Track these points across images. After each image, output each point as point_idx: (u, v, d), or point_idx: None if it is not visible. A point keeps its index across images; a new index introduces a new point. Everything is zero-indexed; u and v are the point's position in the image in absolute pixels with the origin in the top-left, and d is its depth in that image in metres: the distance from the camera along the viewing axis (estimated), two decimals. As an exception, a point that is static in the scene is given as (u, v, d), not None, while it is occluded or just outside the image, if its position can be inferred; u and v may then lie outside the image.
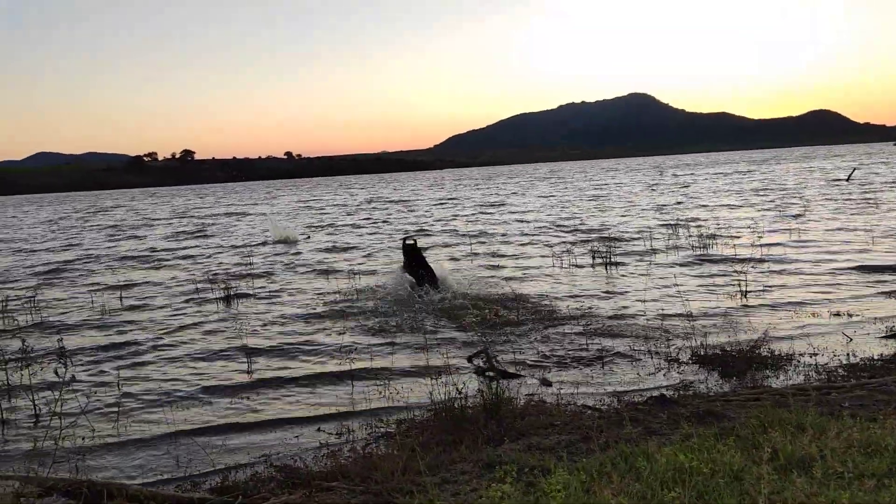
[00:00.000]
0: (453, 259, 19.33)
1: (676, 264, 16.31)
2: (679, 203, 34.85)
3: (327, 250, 23.40)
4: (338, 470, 5.84)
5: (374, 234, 28.66)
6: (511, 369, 8.77)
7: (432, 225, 31.59)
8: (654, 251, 18.46)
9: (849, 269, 14.46)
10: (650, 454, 5.02)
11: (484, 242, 23.13)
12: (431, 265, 13.60)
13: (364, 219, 38.00)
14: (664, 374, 8.36)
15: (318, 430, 7.13)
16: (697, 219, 25.82)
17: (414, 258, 13.26)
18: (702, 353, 8.80)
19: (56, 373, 5.93)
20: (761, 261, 15.86)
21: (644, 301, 12.37)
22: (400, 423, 7.04)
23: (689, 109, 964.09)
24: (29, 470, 5.80)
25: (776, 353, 8.70)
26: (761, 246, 17.59)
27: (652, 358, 9.05)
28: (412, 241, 13.88)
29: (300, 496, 5.27)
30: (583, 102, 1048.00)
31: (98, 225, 45.90)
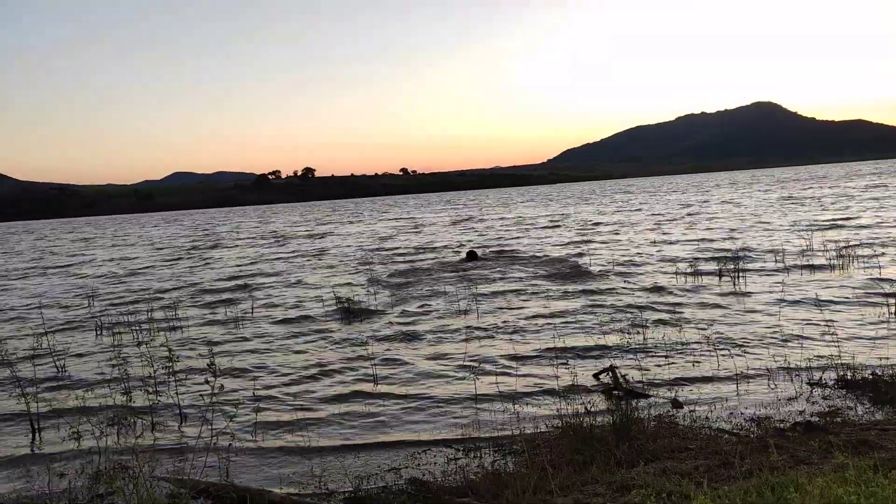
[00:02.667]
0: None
1: (816, 283, 15.26)
2: (822, 219, 32.46)
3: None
4: (467, 485, 5.84)
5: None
6: (638, 388, 8.51)
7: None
8: (789, 269, 17.42)
9: None
10: (801, 485, 4.71)
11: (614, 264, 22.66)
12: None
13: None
14: (807, 399, 7.84)
15: (445, 443, 7.16)
16: (842, 236, 24.02)
17: (469, 256, 24.46)
18: (849, 378, 8.20)
19: (206, 381, 6.26)
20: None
21: (780, 320, 11.71)
22: (527, 440, 6.95)
23: (819, 117, 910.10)
24: (177, 472, 6.15)
25: (936, 379, 7.97)
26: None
27: (792, 380, 8.53)
28: (472, 250, 25.48)
29: (431, 510, 5.29)
30: (702, 113, 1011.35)
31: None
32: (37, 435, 8.10)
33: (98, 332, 14.40)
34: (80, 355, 12.43)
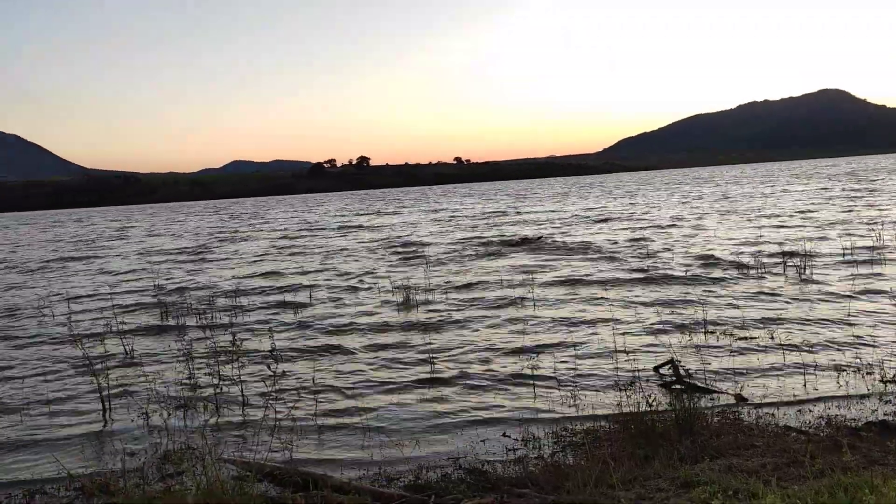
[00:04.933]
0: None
1: (890, 277, 14.63)
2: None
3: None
4: (526, 477, 5.82)
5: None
6: (700, 382, 8.33)
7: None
8: (860, 262, 16.76)
9: None
10: (876, 486, 4.55)
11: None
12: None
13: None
14: (879, 397, 7.56)
15: (504, 434, 7.14)
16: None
17: (524, 240, 25.78)
18: (925, 376, 7.87)
19: (268, 367, 6.38)
20: None
21: (850, 315, 11.31)
22: (586, 432, 6.89)
23: (890, 105, 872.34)
24: (241, 454, 6.30)
25: None
26: None
27: (863, 377, 8.23)
28: (525, 237, 26.80)
29: (492, 500, 5.29)
30: (765, 101, 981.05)
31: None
32: (107, 414, 8.38)
33: (163, 316, 14.81)
34: (147, 338, 12.81)
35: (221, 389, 8.79)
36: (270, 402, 7.82)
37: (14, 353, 12.19)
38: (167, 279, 22.04)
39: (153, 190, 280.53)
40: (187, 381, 9.41)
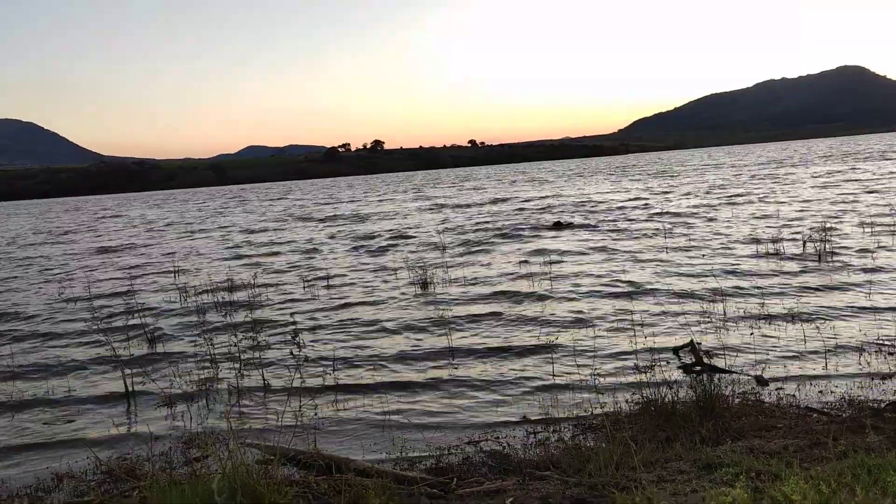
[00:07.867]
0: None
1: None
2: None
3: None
4: (548, 459, 5.84)
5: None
6: (720, 364, 8.31)
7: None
8: (881, 239, 16.56)
9: None
10: (900, 468, 4.52)
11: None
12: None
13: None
14: (903, 378, 7.50)
15: (524, 417, 7.17)
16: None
17: (556, 224, 25.96)
18: (949, 356, 7.80)
19: (291, 353, 6.43)
20: None
21: (871, 295, 11.20)
22: (607, 415, 6.89)
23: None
24: (264, 439, 6.37)
25: None
26: None
27: (886, 358, 8.17)
28: (558, 221, 26.88)
29: (514, 483, 5.32)
30: (783, 79, 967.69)
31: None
32: (131, 398, 8.49)
33: (182, 298, 14.94)
34: (167, 321, 12.91)
35: (243, 373, 8.87)
36: (292, 385, 7.88)
37: (35, 330, 12.38)
38: (191, 263, 22.20)
39: (171, 176, 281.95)
40: (209, 365, 9.49)
